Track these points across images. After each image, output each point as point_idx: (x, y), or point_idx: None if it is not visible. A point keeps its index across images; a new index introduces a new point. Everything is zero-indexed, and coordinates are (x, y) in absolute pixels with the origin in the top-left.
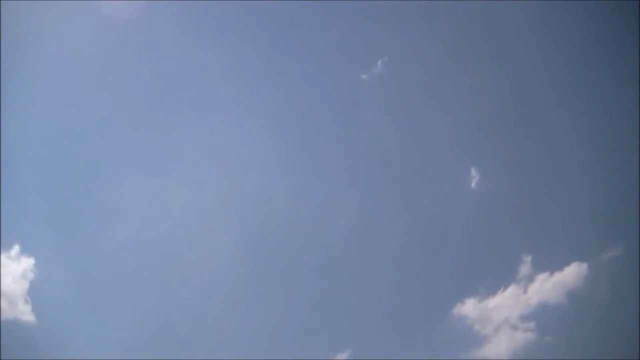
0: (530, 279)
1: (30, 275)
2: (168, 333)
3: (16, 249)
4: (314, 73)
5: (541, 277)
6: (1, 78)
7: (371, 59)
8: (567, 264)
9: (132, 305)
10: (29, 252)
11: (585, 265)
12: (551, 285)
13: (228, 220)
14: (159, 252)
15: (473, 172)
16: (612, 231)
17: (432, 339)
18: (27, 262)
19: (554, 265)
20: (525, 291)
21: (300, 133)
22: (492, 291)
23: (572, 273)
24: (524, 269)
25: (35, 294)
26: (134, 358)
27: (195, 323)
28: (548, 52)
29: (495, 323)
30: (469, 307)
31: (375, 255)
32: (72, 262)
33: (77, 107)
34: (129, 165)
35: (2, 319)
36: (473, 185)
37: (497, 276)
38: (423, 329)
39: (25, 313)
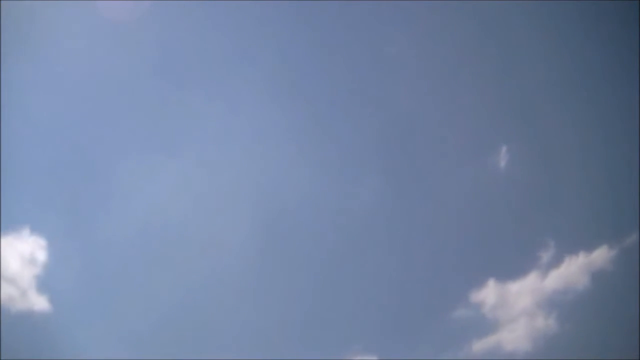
0: (553, 264)
1: (41, 261)
2: (183, 323)
3: (26, 231)
4: (332, 49)
5: (564, 262)
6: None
7: (394, 33)
8: (592, 249)
9: (145, 294)
10: (39, 235)
11: (610, 251)
12: (574, 270)
13: (243, 206)
14: (171, 237)
15: (502, 152)
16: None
17: (447, 326)
18: (38, 246)
19: (578, 250)
20: (546, 276)
21: (317, 113)
22: (512, 276)
23: (597, 259)
24: (547, 253)
25: (46, 280)
26: (145, 354)
27: (205, 312)
28: None
29: (513, 309)
30: (486, 293)
31: (394, 238)
32: (84, 246)
33: (86, 95)
34: (139, 148)
35: (11, 309)
36: (501, 165)
37: (518, 260)
38: (438, 315)
39: (36, 303)
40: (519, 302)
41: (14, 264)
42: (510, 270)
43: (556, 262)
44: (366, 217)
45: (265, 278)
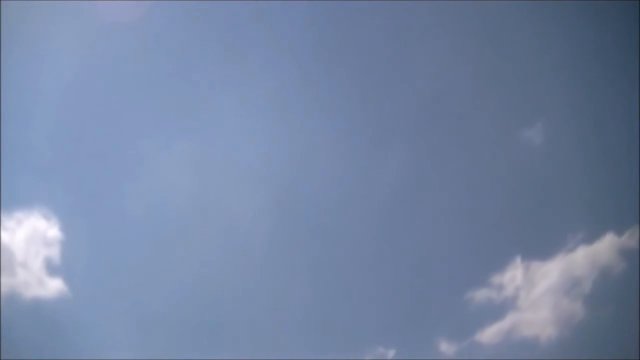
0: (582, 244)
1: (53, 241)
2: (200, 310)
3: (36, 213)
4: (354, 24)
5: (594, 243)
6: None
7: (424, 5)
8: (623, 230)
9: (156, 278)
10: (51, 215)
11: None
12: (604, 252)
13: (258, 185)
14: (186, 218)
15: (537, 127)
16: None
17: (468, 310)
18: (50, 227)
19: (608, 231)
20: (575, 258)
21: (341, 88)
22: (538, 257)
23: (628, 240)
24: (576, 234)
25: (58, 261)
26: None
27: (218, 303)
28: None
29: (539, 292)
30: (511, 275)
31: (418, 219)
32: (96, 227)
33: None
34: (152, 129)
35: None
36: (535, 142)
37: (546, 241)
38: (460, 299)
39: (49, 285)
40: (545, 284)
41: (24, 244)
42: (537, 252)
43: (586, 243)
44: (389, 199)
45: (280, 273)
